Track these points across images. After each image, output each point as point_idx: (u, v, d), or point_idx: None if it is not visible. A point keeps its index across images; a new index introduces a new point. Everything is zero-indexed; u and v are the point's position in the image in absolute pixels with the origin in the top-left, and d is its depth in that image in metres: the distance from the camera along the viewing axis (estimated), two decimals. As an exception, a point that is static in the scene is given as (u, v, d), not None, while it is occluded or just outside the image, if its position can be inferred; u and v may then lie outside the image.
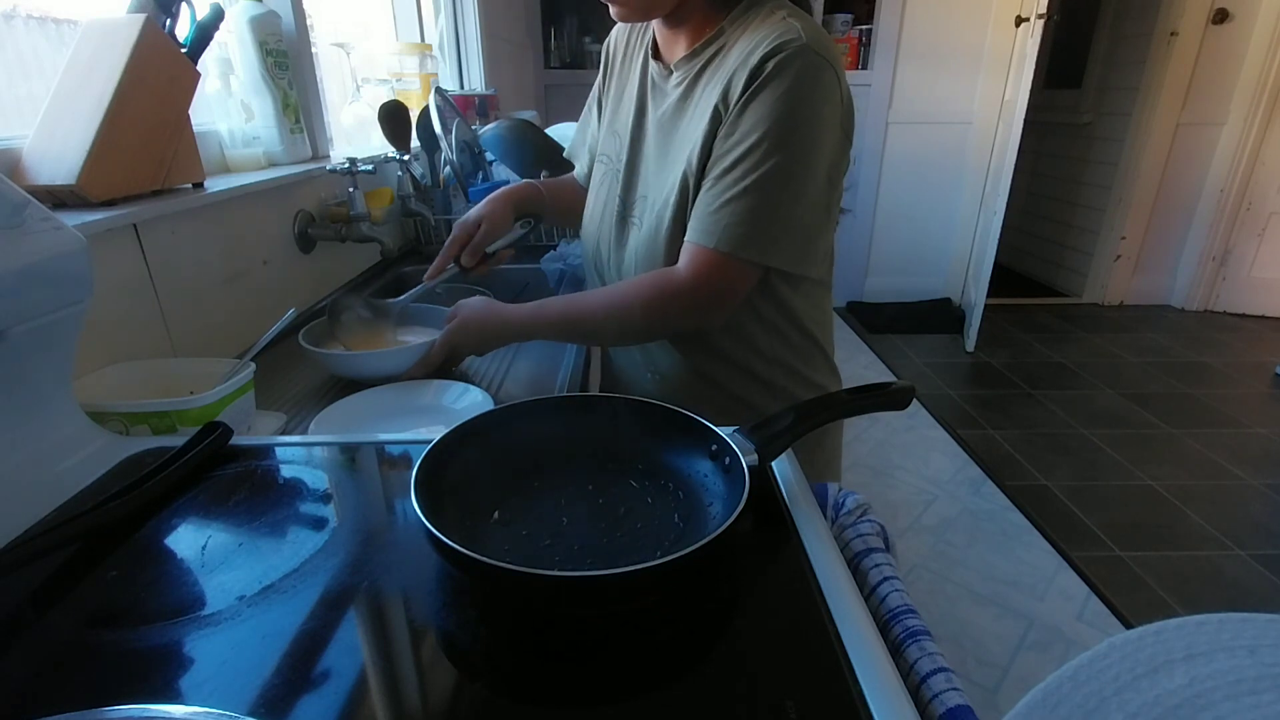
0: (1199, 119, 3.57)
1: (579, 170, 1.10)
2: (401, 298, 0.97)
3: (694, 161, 0.77)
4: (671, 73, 0.84)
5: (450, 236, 0.96)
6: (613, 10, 0.79)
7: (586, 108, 1.04)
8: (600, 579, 0.39)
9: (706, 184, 0.76)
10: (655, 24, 0.85)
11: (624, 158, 0.89)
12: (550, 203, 1.05)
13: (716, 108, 0.75)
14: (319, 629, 0.41)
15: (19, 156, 0.76)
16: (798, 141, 0.72)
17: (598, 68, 1.01)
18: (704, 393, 0.90)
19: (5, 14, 0.86)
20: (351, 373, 0.88)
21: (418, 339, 0.93)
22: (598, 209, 0.94)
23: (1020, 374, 3.10)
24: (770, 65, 0.71)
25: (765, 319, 0.86)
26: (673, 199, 0.80)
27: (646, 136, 0.87)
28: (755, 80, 0.72)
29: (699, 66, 0.80)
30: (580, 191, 1.10)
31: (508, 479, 0.54)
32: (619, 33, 0.95)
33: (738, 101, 0.73)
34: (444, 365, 0.88)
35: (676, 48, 0.83)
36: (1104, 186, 3.87)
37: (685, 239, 0.78)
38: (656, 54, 0.87)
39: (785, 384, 0.90)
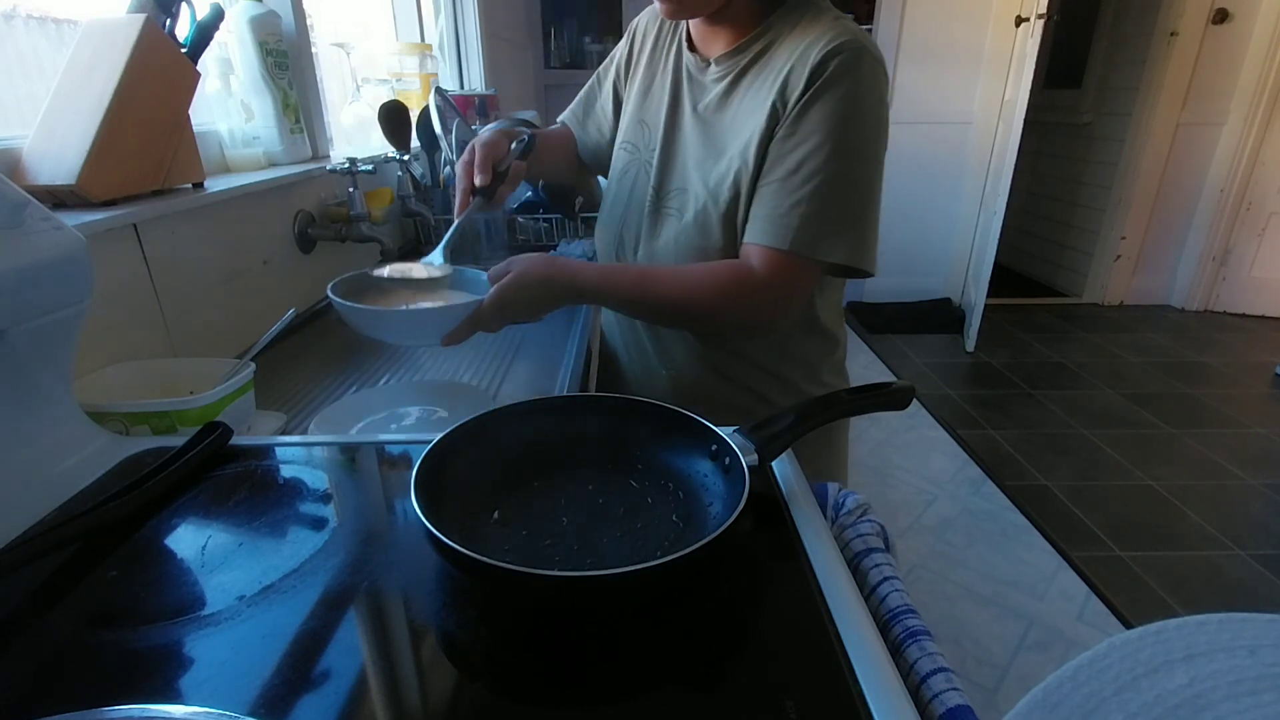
0: (1199, 119, 3.57)
1: (580, 143, 1.04)
2: (439, 246, 0.79)
3: (750, 159, 0.77)
4: (709, 65, 0.83)
5: (457, 181, 0.84)
6: (662, 9, 0.78)
7: (596, 78, 1.02)
8: (600, 579, 0.39)
9: (772, 185, 0.76)
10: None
11: (656, 149, 0.88)
12: (541, 141, 0.94)
13: (774, 105, 0.75)
14: (319, 629, 0.41)
15: (19, 156, 0.76)
16: (859, 142, 0.74)
17: (597, 68, 1.00)
18: (718, 389, 0.90)
19: (5, 14, 0.86)
20: (389, 334, 0.74)
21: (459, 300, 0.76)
22: (622, 198, 0.92)
23: (1020, 374, 3.10)
24: (833, 65, 0.71)
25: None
26: (724, 193, 0.79)
27: (683, 128, 0.86)
28: (817, 79, 0.72)
29: (745, 62, 0.80)
30: (572, 147, 1.04)
31: (508, 479, 0.54)
32: (649, 21, 0.93)
33: (798, 100, 0.73)
34: (493, 326, 0.74)
35: (716, 43, 0.82)
36: (1104, 186, 3.87)
37: (752, 239, 0.77)
38: (690, 45, 0.86)
39: (800, 381, 0.90)
